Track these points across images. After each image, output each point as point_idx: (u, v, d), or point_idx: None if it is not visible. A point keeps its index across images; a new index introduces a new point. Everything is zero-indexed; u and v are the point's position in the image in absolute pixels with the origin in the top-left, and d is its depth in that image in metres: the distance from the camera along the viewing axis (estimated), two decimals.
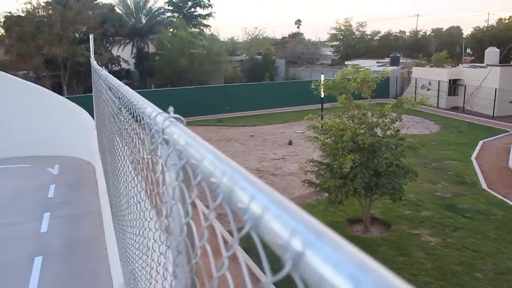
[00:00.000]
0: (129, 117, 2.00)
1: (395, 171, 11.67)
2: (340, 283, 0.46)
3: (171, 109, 1.07)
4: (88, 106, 14.22)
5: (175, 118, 1.04)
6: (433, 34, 56.71)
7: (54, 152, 14.05)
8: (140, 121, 1.57)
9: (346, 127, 11.90)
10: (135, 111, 1.61)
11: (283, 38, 66.25)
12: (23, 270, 7.30)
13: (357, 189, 11.14)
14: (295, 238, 0.53)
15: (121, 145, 3.19)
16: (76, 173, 12.60)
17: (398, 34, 58.14)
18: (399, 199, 11.89)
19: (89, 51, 11.13)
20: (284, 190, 15.92)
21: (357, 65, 13.89)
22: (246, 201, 0.60)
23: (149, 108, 1.32)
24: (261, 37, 54.06)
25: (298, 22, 78.32)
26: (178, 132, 0.95)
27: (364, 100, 12.69)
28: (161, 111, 1.21)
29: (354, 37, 54.94)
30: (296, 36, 67.98)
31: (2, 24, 31.38)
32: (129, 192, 3.10)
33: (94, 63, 6.89)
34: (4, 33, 31.77)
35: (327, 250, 0.49)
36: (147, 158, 1.63)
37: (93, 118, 12.47)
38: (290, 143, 23.63)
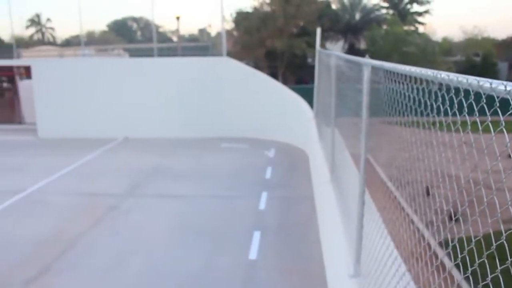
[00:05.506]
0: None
1: None
2: None
3: None
4: (303, 96, 14.87)
5: None
6: None
7: (270, 136, 15.12)
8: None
9: None
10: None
11: (508, 38, 57.97)
12: (244, 241, 7.99)
13: None
14: None
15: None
16: (290, 158, 13.30)
17: None
18: None
19: (308, 44, 11.50)
20: (502, 205, 13.99)
21: None
22: None
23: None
24: (480, 37, 48.30)
25: None
26: None
27: None
28: None
29: None
30: None
31: (233, 19, 35.31)
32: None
33: (336, 52, 7.00)
34: (234, 27, 35.63)
35: None
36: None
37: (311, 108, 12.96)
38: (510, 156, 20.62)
